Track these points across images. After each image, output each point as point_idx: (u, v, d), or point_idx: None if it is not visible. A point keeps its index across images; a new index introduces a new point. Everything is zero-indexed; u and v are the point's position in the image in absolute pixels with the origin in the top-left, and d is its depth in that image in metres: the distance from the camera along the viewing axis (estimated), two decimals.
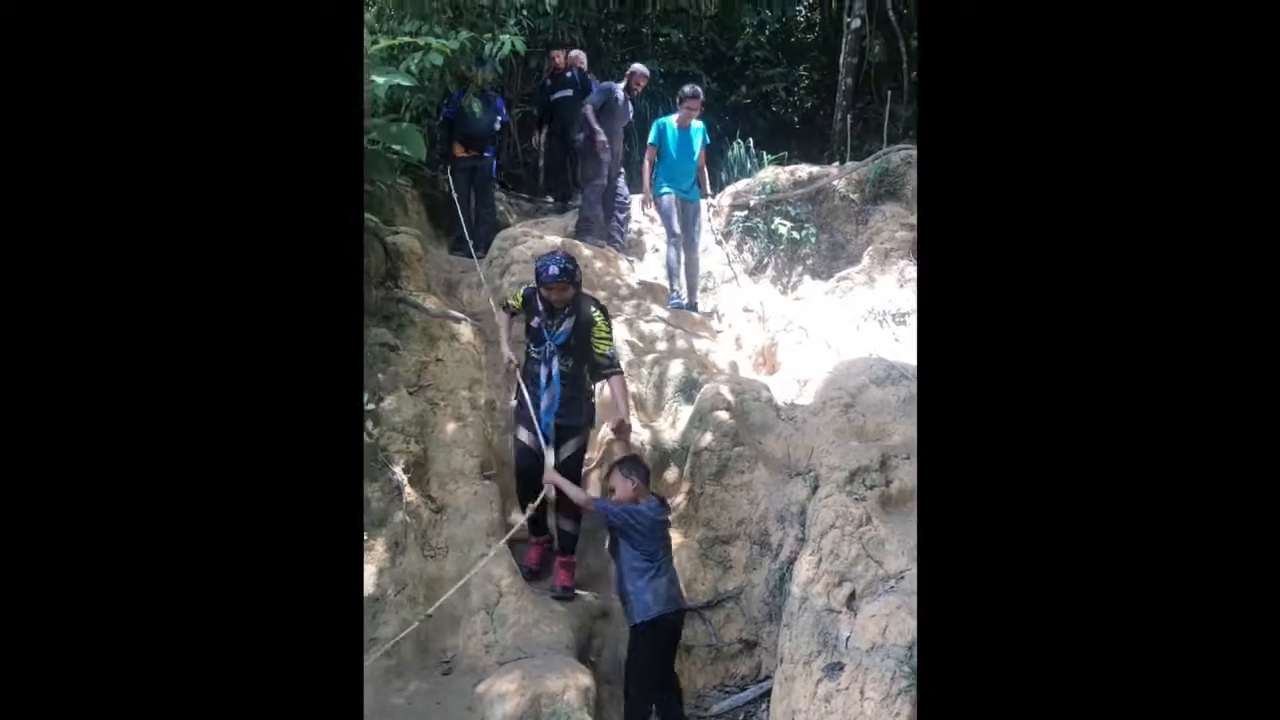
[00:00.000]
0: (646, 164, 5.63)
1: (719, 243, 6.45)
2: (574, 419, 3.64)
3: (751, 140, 8.11)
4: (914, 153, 6.37)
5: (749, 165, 7.79)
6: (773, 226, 6.47)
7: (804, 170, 7.03)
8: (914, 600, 2.86)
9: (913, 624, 2.74)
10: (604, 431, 3.95)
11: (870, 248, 5.91)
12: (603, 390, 3.82)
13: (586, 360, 3.64)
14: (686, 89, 6.12)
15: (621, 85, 6.48)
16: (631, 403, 3.92)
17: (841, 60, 8.46)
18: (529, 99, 7.83)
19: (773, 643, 3.37)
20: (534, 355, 3.66)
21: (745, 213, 6.70)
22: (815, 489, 3.63)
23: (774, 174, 7.05)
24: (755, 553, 3.72)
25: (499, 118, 6.31)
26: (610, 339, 3.66)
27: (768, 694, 3.22)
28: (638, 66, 6.67)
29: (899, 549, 3.16)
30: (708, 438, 3.96)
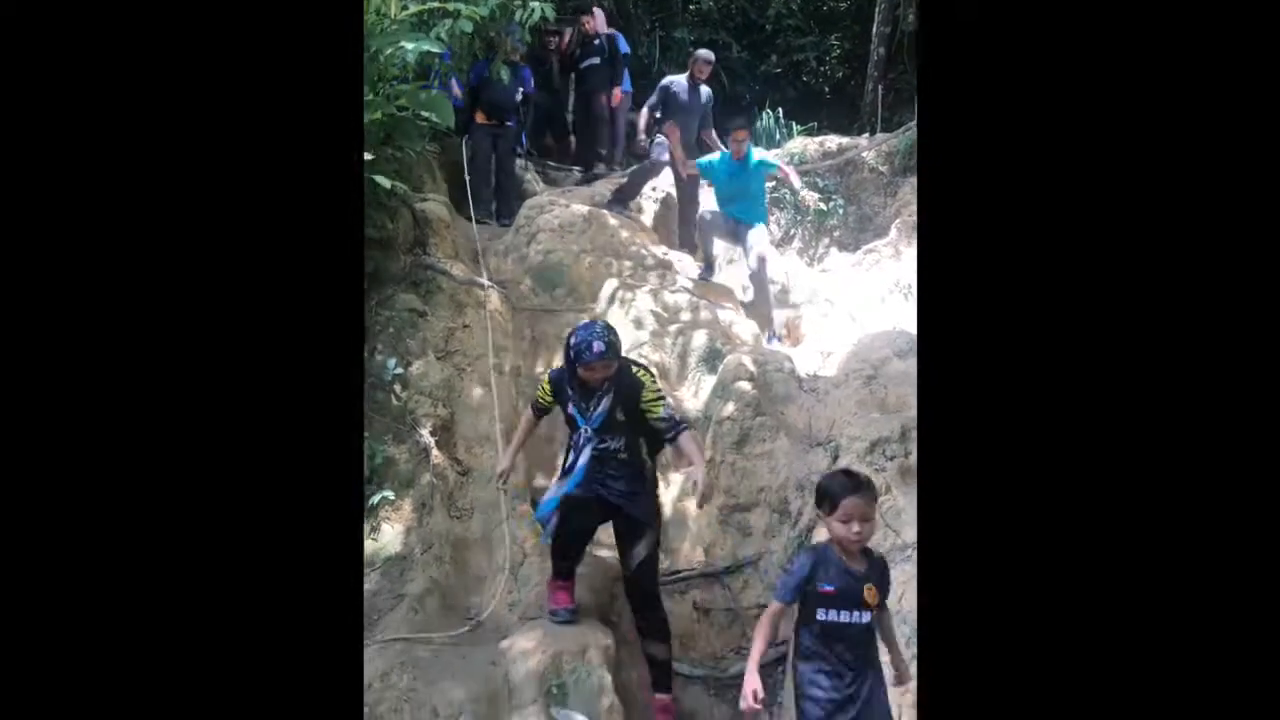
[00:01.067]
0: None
1: None
2: (636, 510, 2.97)
3: (781, 110, 8.03)
4: None
5: (778, 135, 7.72)
6: (800, 197, 6.43)
7: (833, 141, 6.97)
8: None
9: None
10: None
11: (898, 220, 5.86)
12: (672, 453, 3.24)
13: (640, 433, 2.99)
14: (702, 54, 6.07)
15: (685, 76, 6.15)
16: (704, 457, 3.25)
17: (875, 29, 8.32)
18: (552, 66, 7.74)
19: (791, 609, 3.42)
20: (569, 445, 3.04)
21: (773, 183, 6.65)
22: (836, 459, 3.66)
23: (803, 144, 6.99)
24: (774, 520, 3.77)
25: (522, 87, 6.26)
26: (663, 398, 3.00)
27: (784, 658, 3.28)
28: (701, 52, 6.28)
29: (915, 518, 3.19)
30: (730, 407, 3.99)
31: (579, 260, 5.15)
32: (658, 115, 6.07)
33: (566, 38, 7.08)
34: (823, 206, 6.56)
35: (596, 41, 6.93)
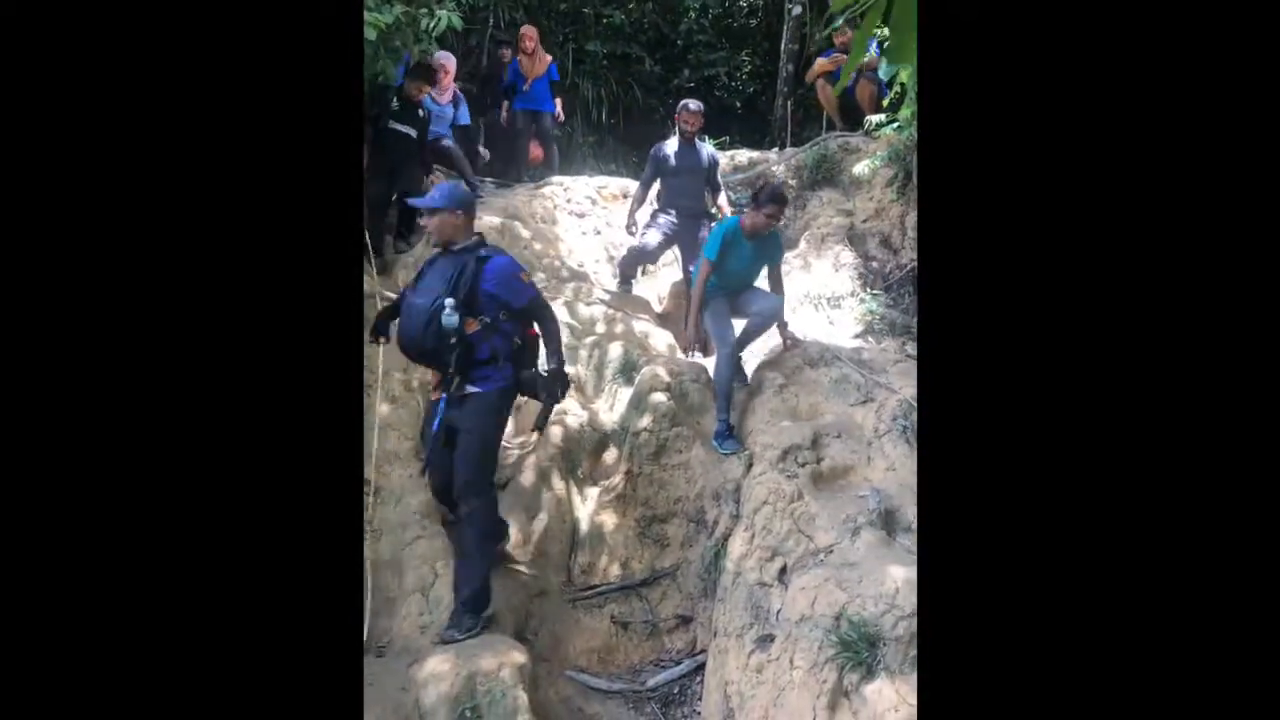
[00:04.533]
0: (699, 282, 4.09)
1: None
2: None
3: None
4: (850, 139, 6.48)
5: None
6: (713, 210, 6.52)
7: (744, 155, 7.09)
8: (841, 572, 2.95)
9: (841, 596, 2.83)
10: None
11: (807, 233, 6.00)
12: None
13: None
14: (691, 104, 5.22)
15: (675, 136, 5.28)
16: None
17: (783, 46, 8.54)
18: (474, 78, 7.66)
19: (708, 617, 3.44)
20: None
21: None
22: (750, 467, 3.71)
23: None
24: (691, 530, 3.78)
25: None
26: None
27: (702, 667, 3.29)
28: (688, 103, 5.27)
29: (829, 523, 3.25)
30: (646, 419, 4.00)
31: None
32: (655, 189, 5.24)
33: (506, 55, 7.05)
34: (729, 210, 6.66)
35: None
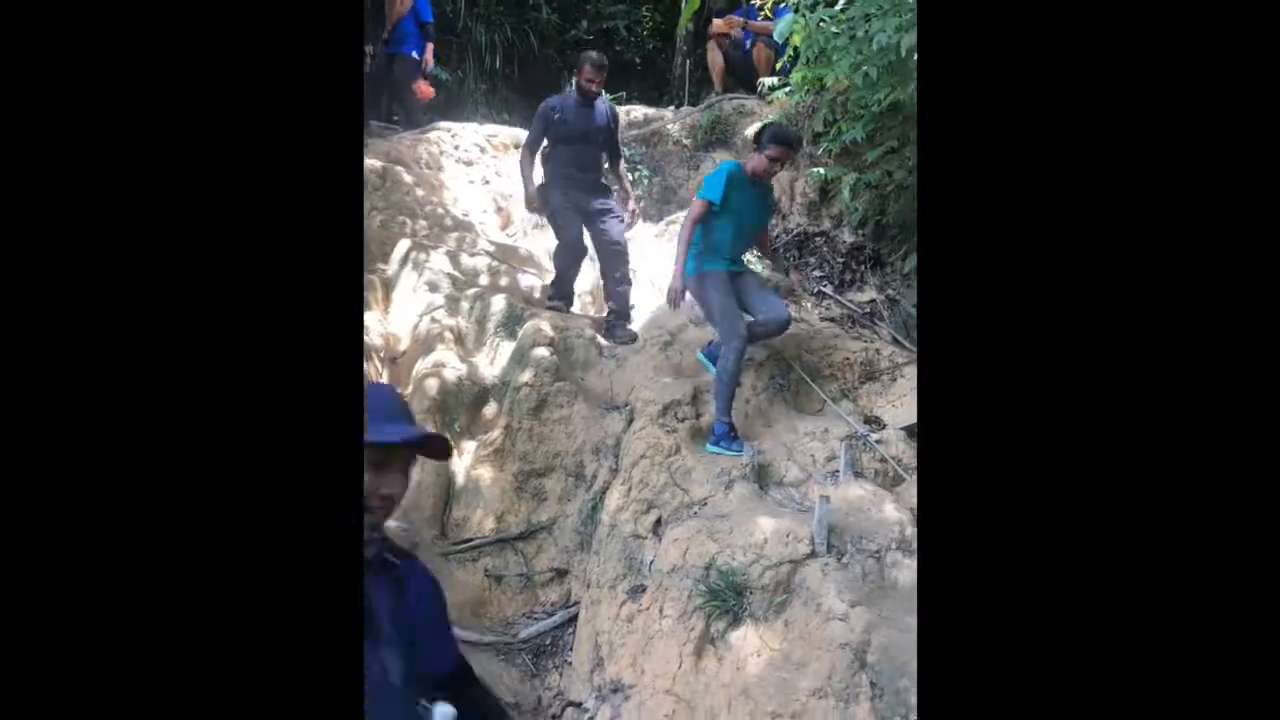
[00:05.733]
0: (688, 223, 3.51)
1: None
2: None
3: None
4: (745, 102, 6.51)
5: None
6: (609, 181, 6.44)
7: (639, 111, 7.02)
8: (713, 524, 3.01)
9: (711, 546, 2.89)
10: None
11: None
12: None
13: None
14: (593, 57, 4.45)
15: (572, 91, 4.58)
16: None
17: (683, 3, 8.45)
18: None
19: (583, 570, 3.45)
20: None
21: None
22: (630, 422, 3.71)
23: None
24: (570, 484, 3.77)
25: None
26: None
27: (575, 618, 3.30)
28: (589, 55, 4.50)
29: (704, 477, 3.30)
30: (528, 374, 3.93)
31: (369, 218, 4.83)
32: (544, 151, 4.45)
33: None
34: (629, 176, 6.60)
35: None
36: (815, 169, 5.14)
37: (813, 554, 2.75)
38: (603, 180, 4.65)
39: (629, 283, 4.55)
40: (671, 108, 7.54)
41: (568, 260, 4.51)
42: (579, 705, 2.99)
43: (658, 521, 3.25)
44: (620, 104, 7.33)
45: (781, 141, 3.48)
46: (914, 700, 2.25)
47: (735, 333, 3.40)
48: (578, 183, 4.44)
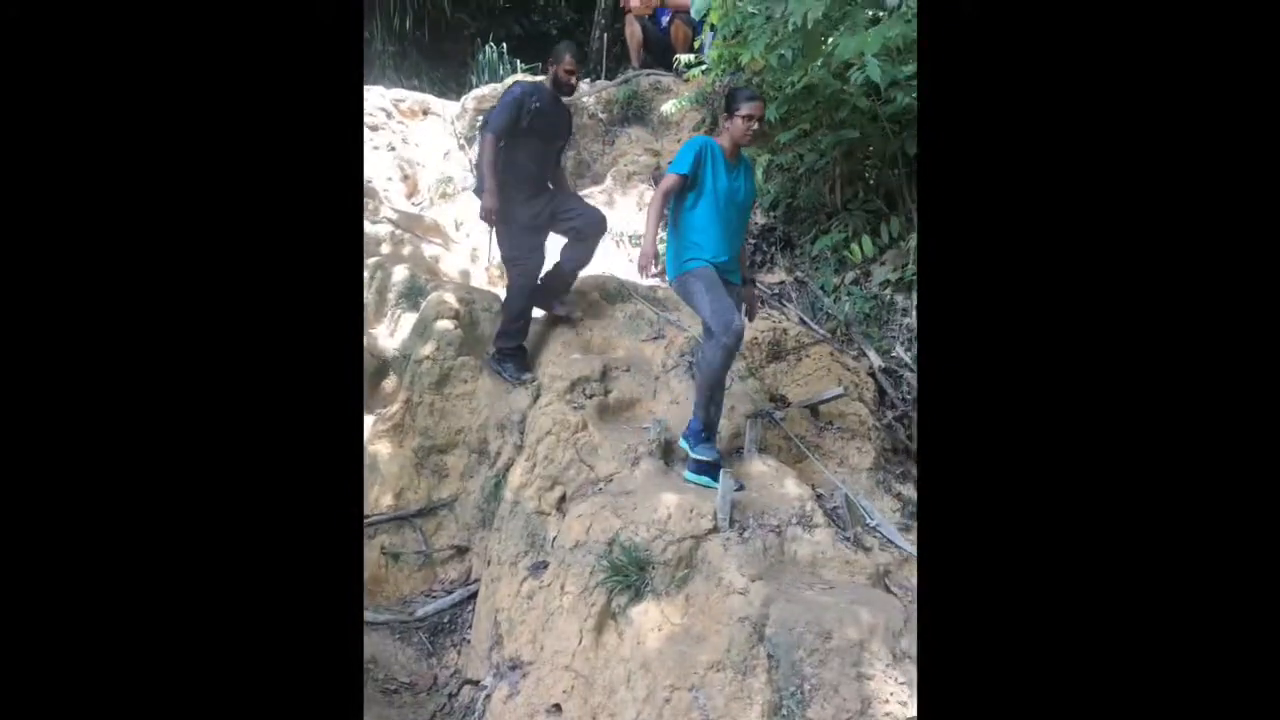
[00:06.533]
0: (659, 194, 3.08)
1: (461, 148, 6.13)
2: None
3: (505, 45, 7.76)
4: (662, 79, 6.46)
5: (501, 71, 7.46)
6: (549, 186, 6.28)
7: None
8: (618, 500, 2.98)
9: (615, 522, 2.86)
10: None
11: (614, 169, 5.96)
12: None
13: None
14: (571, 49, 3.79)
15: (547, 80, 3.79)
16: None
17: None
18: None
19: (484, 548, 3.38)
20: None
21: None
22: (537, 398, 3.64)
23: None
24: (473, 461, 3.68)
25: None
26: None
27: (474, 596, 3.23)
28: (569, 46, 3.84)
29: (611, 453, 3.27)
30: (430, 346, 3.80)
31: None
32: (501, 137, 3.62)
33: None
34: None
35: None
36: None
37: (715, 529, 2.77)
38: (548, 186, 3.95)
39: (589, 262, 4.02)
40: (588, 80, 7.42)
41: (523, 303, 3.77)
42: (476, 683, 2.93)
43: (562, 498, 3.21)
44: (535, 74, 7.16)
45: (755, 98, 3.10)
46: (809, 670, 2.30)
47: (727, 327, 2.90)
48: (538, 184, 3.79)
